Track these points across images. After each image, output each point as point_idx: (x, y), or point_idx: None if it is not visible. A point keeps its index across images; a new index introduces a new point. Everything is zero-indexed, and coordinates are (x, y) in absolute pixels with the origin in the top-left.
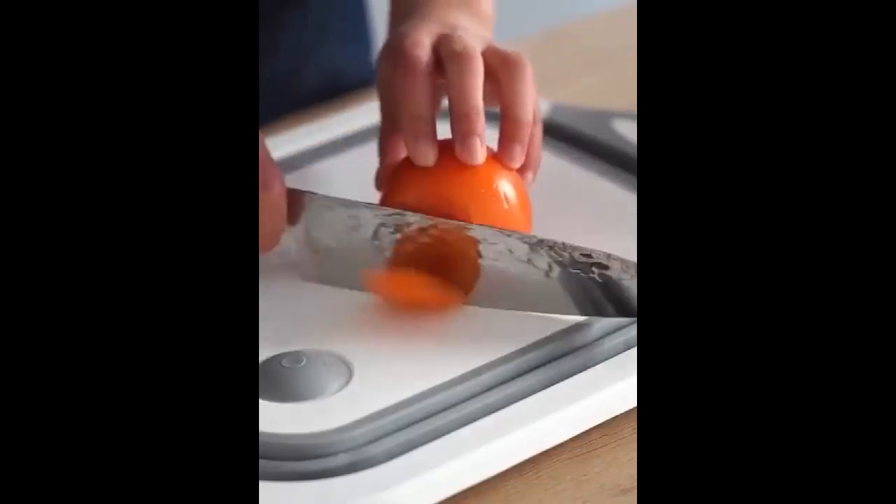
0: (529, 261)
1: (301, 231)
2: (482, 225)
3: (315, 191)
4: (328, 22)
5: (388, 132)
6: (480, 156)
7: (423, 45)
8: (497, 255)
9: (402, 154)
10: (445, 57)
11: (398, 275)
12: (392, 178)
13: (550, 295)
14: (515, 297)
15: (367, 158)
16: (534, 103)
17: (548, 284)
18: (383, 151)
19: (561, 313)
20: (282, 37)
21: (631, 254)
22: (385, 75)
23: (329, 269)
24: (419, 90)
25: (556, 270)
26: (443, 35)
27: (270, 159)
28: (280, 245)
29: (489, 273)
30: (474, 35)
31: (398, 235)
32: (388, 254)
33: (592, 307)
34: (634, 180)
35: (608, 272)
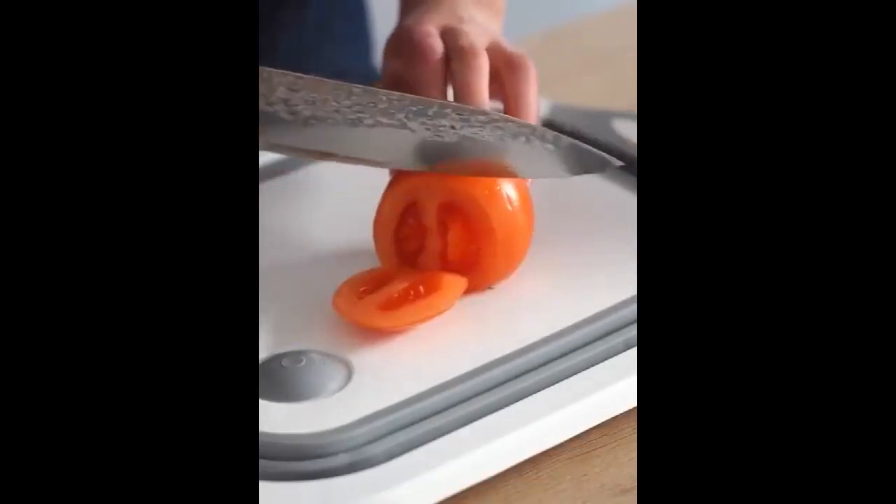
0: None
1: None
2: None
3: (314, 192)
4: (328, 22)
5: None
6: None
7: (433, 35)
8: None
9: None
10: (451, 52)
11: (358, 302)
12: (395, 176)
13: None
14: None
15: None
16: (536, 105)
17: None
18: None
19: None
20: (282, 37)
21: (631, 254)
22: (392, 67)
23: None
24: (433, 80)
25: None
26: (449, 28)
27: None
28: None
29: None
30: (481, 29)
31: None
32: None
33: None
34: (634, 180)
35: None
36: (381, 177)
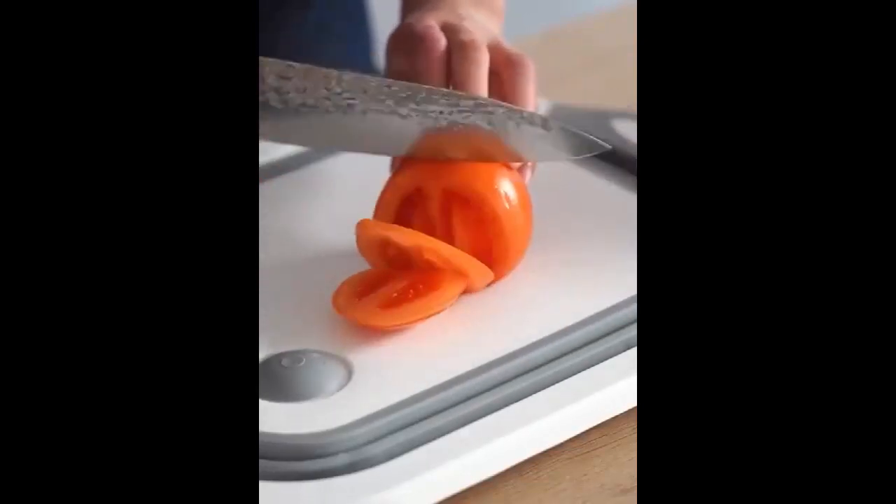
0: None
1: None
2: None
3: (315, 191)
4: (329, 22)
5: None
6: None
7: (435, 28)
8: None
9: None
10: (452, 46)
11: (360, 302)
12: (395, 173)
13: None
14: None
15: (367, 158)
16: (535, 103)
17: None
18: None
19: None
20: (282, 37)
21: (631, 254)
22: (395, 65)
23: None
24: (435, 72)
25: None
26: (449, 24)
27: None
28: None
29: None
30: (481, 27)
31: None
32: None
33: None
34: (634, 180)
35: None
36: (382, 176)
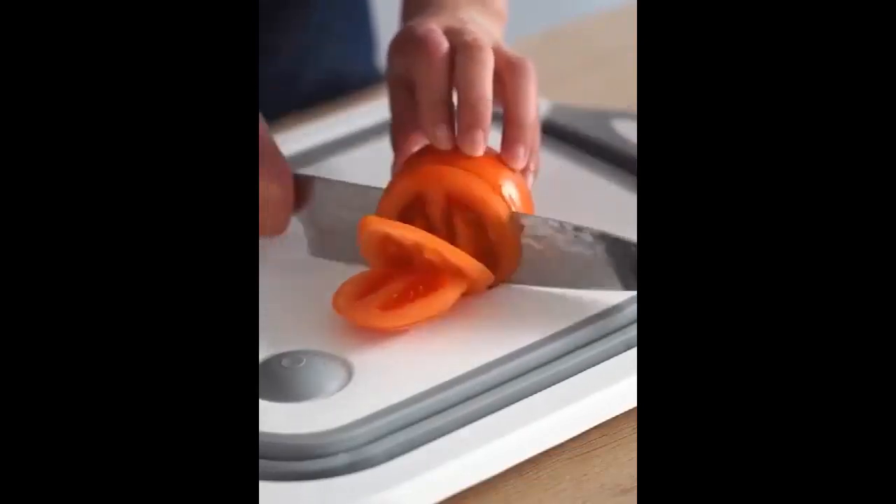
0: (576, 238)
1: (307, 212)
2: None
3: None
4: (329, 22)
5: (399, 127)
6: (481, 148)
7: (437, 31)
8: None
9: (415, 148)
10: (455, 47)
11: (359, 303)
12: (395, 179)
13: (597, 269)
14: (559, 275)
15: (368, 158)
16: (536, 105)
17: (594, 259)
18: (397, 146)
19: (605, 288)
20: (283, 37)
21: None
22: (397, 69)
23: (336, 245)
24: (437, 74)
25: (600, 247)
26: (452, 27)
27: (279, 153)
28: (289, 226)
29: (530, 252)
30: (483, 30)
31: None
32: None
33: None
34: (634, 180)
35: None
36: (383, 176)
